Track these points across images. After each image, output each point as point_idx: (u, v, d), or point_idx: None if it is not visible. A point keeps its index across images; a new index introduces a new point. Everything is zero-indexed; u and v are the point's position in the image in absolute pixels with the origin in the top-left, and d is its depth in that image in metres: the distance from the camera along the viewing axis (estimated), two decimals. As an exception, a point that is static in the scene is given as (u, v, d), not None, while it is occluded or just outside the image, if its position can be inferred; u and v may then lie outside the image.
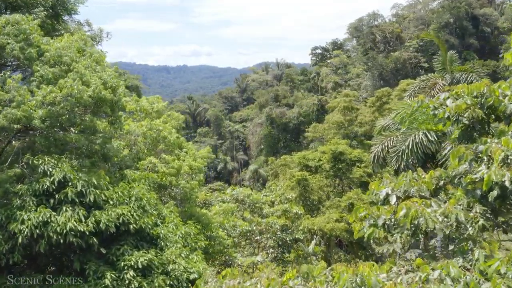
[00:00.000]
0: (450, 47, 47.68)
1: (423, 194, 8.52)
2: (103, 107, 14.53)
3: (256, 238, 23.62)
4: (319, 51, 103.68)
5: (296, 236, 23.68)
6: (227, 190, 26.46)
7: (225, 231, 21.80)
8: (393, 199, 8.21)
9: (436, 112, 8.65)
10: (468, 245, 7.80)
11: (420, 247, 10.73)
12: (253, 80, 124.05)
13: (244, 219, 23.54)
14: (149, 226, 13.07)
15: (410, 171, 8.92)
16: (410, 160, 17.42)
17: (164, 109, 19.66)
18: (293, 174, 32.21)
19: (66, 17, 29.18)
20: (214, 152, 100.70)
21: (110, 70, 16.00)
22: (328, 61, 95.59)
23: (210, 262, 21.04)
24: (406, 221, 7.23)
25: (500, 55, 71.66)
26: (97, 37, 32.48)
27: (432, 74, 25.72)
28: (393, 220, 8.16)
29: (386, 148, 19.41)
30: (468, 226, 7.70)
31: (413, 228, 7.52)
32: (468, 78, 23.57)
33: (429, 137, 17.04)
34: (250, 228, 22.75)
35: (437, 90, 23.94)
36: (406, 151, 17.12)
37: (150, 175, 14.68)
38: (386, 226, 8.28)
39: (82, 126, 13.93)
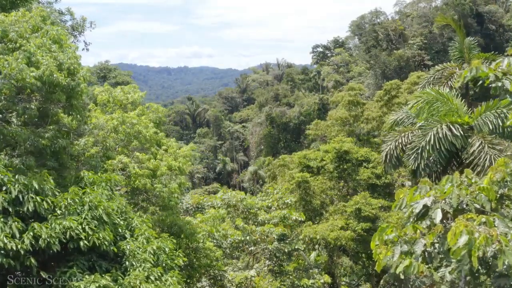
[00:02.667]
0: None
1: (479, 207, 5.70)
2: (56, 94, 11.84)
3: (250, 249, 20.78)
4: (320, 49, 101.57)
5: (296, 247, 20.79)
6: (218, 193, 23.49)
7: (214, 241, 19.01)
8: (438, 216, 5.39)
9: (499, 83, 5.87)
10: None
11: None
12: (253, 80, 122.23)
13: (237, 227, 20.68)
14: (106, 242, 10.29)
15: (457, 172, 6.12)
16: (431, 158, 14.61)
17: (141, 100, 16.89)
18: (292, 176, 29.32)
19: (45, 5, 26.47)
20: (214, 153, 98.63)
21: (70, 51, 13.29)
22: (330, 59, 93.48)
23: (196, 278, 18.29)
24: (472, 254, 4.41)
25: (505, 53, 70.57)
26: (79, 26, 29.74)
27: (448, 63, 22.92)
28: (438, 247, 5.36)
29: (400, 146, 16.61)
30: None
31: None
32: (490, 67, 20.75)
33: (454, 130, 14.22)
34: (243, 238, 19.89)
35: (454, 81, 21.19)
36: (427, 148, 14.29)
37: (113, 177, 11.89)
38: (426, 255, 5.48)
39: (26, 116, 11.21)
